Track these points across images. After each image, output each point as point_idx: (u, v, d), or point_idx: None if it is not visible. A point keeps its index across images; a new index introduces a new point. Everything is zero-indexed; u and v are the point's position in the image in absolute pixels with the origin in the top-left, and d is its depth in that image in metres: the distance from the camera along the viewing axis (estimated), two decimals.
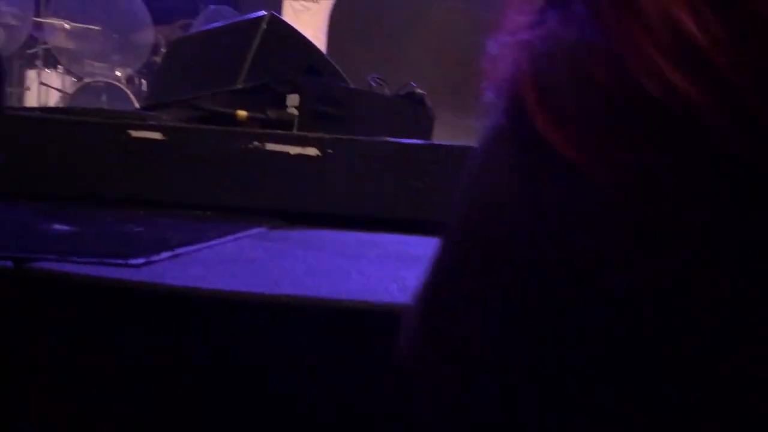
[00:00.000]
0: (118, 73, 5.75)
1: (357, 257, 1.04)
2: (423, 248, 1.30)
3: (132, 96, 5.55)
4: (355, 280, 0.83)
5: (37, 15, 5.93)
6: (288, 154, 1.76)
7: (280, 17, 1.92)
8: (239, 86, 1.86)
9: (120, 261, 0.76)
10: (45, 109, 3.03)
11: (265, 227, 1.35)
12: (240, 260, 0.90)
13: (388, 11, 7.20)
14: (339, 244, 1.21)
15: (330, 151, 1.74)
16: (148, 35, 5.76)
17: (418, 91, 2.03)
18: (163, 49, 6.02)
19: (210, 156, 1.73)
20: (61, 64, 5.64)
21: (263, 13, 1.94)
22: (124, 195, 1.67)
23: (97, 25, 5.57)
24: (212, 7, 5.92)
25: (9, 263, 0.72)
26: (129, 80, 5.84)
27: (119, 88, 5.55)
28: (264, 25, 1.89)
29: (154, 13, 5.86)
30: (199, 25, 5.87)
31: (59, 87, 5.55)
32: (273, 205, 1.67)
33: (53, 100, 5.54)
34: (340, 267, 0.90)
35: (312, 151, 1.77)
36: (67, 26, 5.44)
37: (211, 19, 5.92)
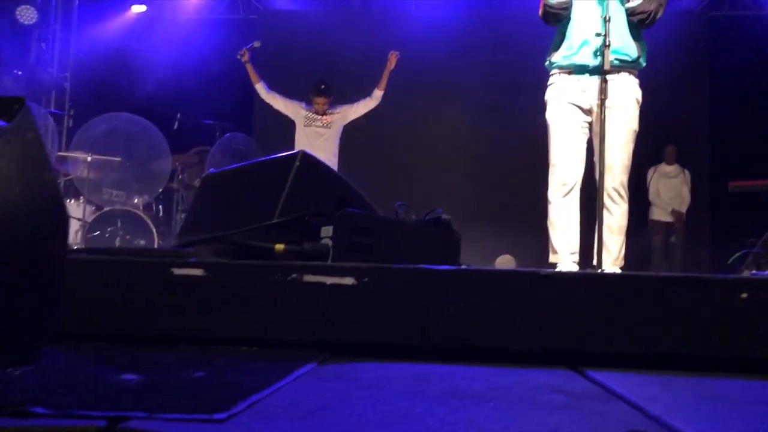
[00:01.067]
0: (135, 201, 5.92)
1: (418, 396, 1.07)
2: (472, 381, 1.32)
3: (149, 221, 5.68)
4: (433, 427, 0.85)
5: (60, 150, 6.18)
6: (325, 284, 1.82)
7: (311, 154, 2.03)
8: (276, 221, 1.94)
9: (204, 417, 0.79)
10: (89, 250, 3.10)
11: (314, 362, 1.37)
12: (315, 410, 0.92)
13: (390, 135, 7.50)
14: (393, 381, 1.23)
15: (366, 279, 1.80)
16: (166, 164, 5.97)
17: (444, 216, 2.11)
18: (180, 176, 6.23)
19: (251, 290, 1.78)
20: (82, 194, 5.82)
21: (296, 151, 2.05)
22: (171, 332, 1.71)
23: (117, 156, 5.80)
24: (227, 135, 6.17)
25: (102, 422, 0.75)
26: (146, 207, 6.00)
27: (136, 214, 5.70)
28: (297, 163, 2.00)
29: (170, 142, 6.10)
30: (216, 151, 6.09)
31: (79, 216, 5.70)
32: (314, 336, 1.70)
33: (73, 228, 5.67)
34: (409, 412, 0.92)
35: (348, 281, 1.82)
36: (89, 158, 5.66)
37: (226, 146, 6.15)
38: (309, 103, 5.85)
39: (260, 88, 5.92)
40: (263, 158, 2.41)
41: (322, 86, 5.77)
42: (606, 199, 3.00)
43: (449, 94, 7.55)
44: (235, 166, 2.48)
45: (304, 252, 1.88)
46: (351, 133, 6.07)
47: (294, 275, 1.75)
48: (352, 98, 6.03)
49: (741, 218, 6.42)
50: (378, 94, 5.86)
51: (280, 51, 7.67)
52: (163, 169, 5.98)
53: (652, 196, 6.83)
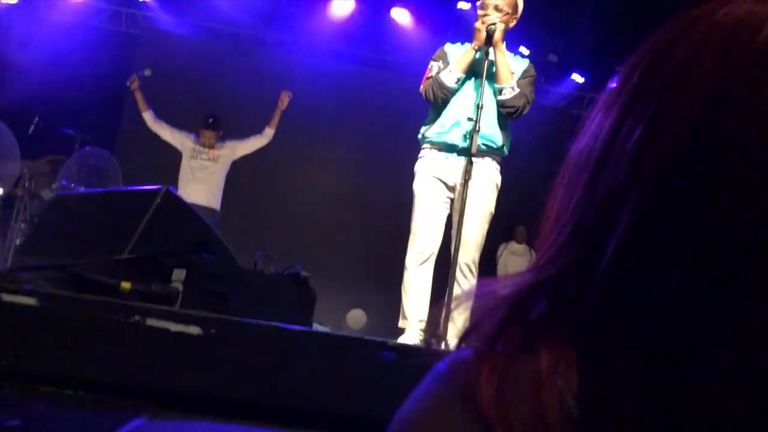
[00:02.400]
0: None
1: None
2: None
3: None
4: None
5: None
6: (169, 331, 1.75)
7: (175, 192, 1.98)
8: (126, 256, 1.85)
9: None
10: None
11: (145, 417, 1.31)
12: None
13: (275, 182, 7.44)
14: None
15: (213, 330, 1.75)
16: (12, 168, 5.56)
17: (303, 273, 2.11)
18: (26, 183, 5.80)
19: (87, 328, 1.67)
20: None
21: (159, 186, 1.99)
22: None
23: None
24: (87, 148, 5.85)
25: None
26: None
27: None
28: (158, 199, 1.93)
29: (22, 146, 5.70)
30: (72, 163, 5.74)
31: None
32: (151, 385, 1.63)
33: None
34: None
35: (194, 330, 1.77)
36: None
37: (84, 159, 5.82)
38: (197, 135, 5.72)
39: (148, 116, 5.71)
40: (124, 188, 2.31)
41: (211, 120, 5.67)
42: (458, 273, 3.14)
43: (328, 144, 7.65)
44: (91, 190, 2.35)
45: (151, 293, 1.81)
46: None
47: (137, 317, 1.67)
48: (238, 133, 5.96)
49: None
50: (269, 132, 5.83)
51: (163, 75, 7.44)
52: (8, 173, 5.55)
53: (500, 273, 7.21)
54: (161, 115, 5.89)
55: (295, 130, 7.46)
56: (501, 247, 7.24)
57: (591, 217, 0.44)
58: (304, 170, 7.55)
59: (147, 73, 5.72)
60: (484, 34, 3.07)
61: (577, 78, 8.25)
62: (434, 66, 3.31)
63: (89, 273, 1.82)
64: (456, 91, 3.18)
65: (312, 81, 7.55)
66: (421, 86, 3.30)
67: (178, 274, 1.87)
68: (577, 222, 0.45)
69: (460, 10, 7.53)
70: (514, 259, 7.24)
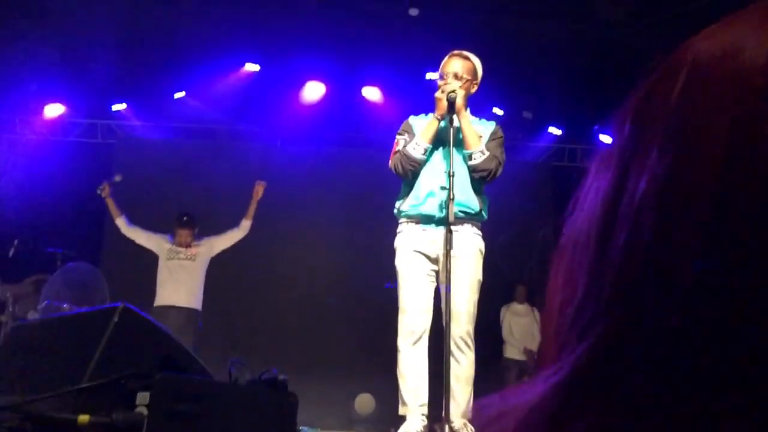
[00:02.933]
0: None
1: None
2: None
3: None
4: None
5: None
6: None
7: (134, 309, 1.86)
8: (84, 385, 1.72)
9: None
10: None
11: None
12: None
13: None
14: None
15: None
16: None
17: (281, 377, 1.98)
18: (10, 308, 5.67)
19: None
20: None
21: (116, 304, 1.88)
22: None
23: None
24: (70, 264, 5.75)
25: None
26: None
27: None
28: (116, 318, 1.82)
29: (3, 270, 5.61)
30: (56, 280, 5.63)
31: None
32: None
33: None
34: None
35: None
36: None
37: (68, 275, 5.71)
38: (173, 235, 5.64)
39: (121, 222, 5.63)
40: (79, 310, 2.20)
41: (185, 218, 5.60)
42: (453, 348, 3.00)
43: (311, 229, 7.58)
44: (46, 317, 2.23)
45: (113, 424, 1.67)
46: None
47: None
48: (219, 229, 5.89)
49: None
50: (246, 224, 5.76)
51: (140, 180, 7.44)
52: None
53: (505, 335, 7.03)
54: (143, 220, 5.83)
55: (276, 218, 7.41)
56: (503, 310, 7.07)
57: (609, 290, 0.39)
58: (289, 257, 7.45)
59: (117, 179, 5.69)
60: (445, 103, 3.04)
61: (554, 131, 8.29)
62: (400, 140, 3.28)
63: (45, 410, 1.68)
64: (425, 162, 3.13)
65: (290, 167, 7.56)
66: (390, 161, 3.25)
67: (143, 398, 1.73)
68: (594, 301, 0.40)
69: (429, 80, 7.63)
70: (518, 320, 7.07)
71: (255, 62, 7.59)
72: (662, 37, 6.72)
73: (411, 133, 3.26)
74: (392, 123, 7.52)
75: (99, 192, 5.59)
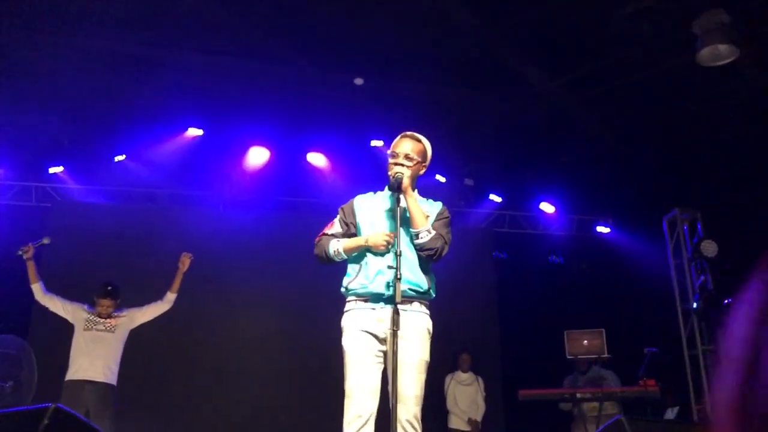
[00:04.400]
0: None
1: None
2: None
3: None
4: None
5: None
6: None
7: (66, 409, 1.75)
8: None
9: None
10: None
11: None
12: None
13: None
14: None
15: None
16: None
17: None
18: None
19: None
20: None
21: (47, 405, 1.77)
22: None
23: None
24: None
25: None
26: None
27: None
28: (47, 420, 1.71)
29: None
30: None
31: None
32: None
33: None
34: None
35: None
36: None
37: None
38: (92, 305, 5.39)
39: (37, 288, 5.36)
40: (10, 409, 2.06)
41: (109, 287, 5.37)
42: (399, 431, 2.94)
43: (249, 302, 7.41)
44: None
45: None
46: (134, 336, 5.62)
47: None
48: (147, 298, 5.69)
49: (533, 425, 6.69)
50: (171, 297, 5.57)
51: (74, 245, 7.20)
52: None
53: (449, 404, 6.95)
54: (74, 286, 5.60)
55: (216, 285, 7.24)
56: (447, 379, 7.02)
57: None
58: (228, 324, 7.25)
59: (46, 241, 5.47)
60: (384, 240, 3.05)
61: (495, 198, 8.47)
62: (335, 222, 3.29)
63: None
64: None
65: (232, 233, 7.45)
66: (317, 238, 3.26)
67: None
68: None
69: (374, 147, 7.73)
70: (463, 389, 7.01)
71: (198, 126, 7.55)
72: (595, 109, 7.01)
73: (350, 217, 3.27)
74: (337, 188, 7.59)
75: (20, 253, 5.33)
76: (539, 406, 6.30)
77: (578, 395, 6.13)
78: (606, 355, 6.49)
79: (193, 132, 7.55)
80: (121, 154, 7.61)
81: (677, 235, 7.27)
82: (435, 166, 7.82)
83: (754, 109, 6.44)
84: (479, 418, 6.90)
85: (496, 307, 7.98)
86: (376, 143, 7.71)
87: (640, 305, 7.47)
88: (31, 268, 5.38)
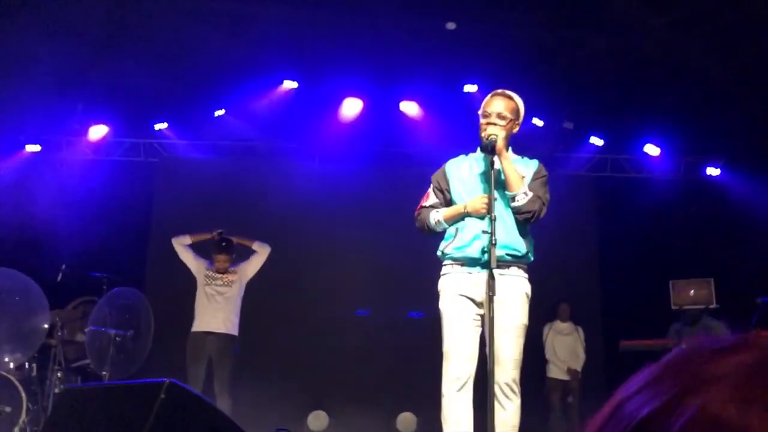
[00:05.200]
0: (6, 360, 5.43)
1: None
2: None
3: (18, 385, 5.20)
4: None
5: None
6: None
7: (179, 384, 1.86)
8: None
9: None
10: None
11: None
12: None
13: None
14: None
15: None
16: (43, 320, 5.56)
17: None
18: (59, 332, 5.77)
19: None
20: None
21: (163, 380, 1.88)
22: None
23: None
24: (116, 289, 5.84)
25: None
26: (19, 368, 5.50)
27: (3, 377, 5.21)
28: (162, 395, 1.82)
29: (51, 295, 5.71)
30: (103, 305, 5.71)
31: None
32: None
33: None
34: None
35: None
36: None
37: (114, 301, 5.79)
38: (211, 261, 5.70)
39: (186, 239, 5.76)
40: (128, 381, 2.21)
41: (224, 243, 5.64)
42: (498, 394, 2.95)
43: (349, 250, 7.54)
44: (97, 384, 2.25)
45: None
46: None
47: None
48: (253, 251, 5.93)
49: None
50: (258, 246, 5.78)
51: (181, 199, 7.55)
52: (40, 326, 5.55)
53: (548, 354, 6.91)
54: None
55: (314, 238, 7.42)
56: (546, 328, 6.96)
57: None
58: (327, 278, 7.43)
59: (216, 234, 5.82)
60: (483, 203, 2.98)
61: (596, 141, 8.13)
62: (431, 194, 3.25)
63: None
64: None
65: (328, 185, 7.57)
66: (416, 211, 3.24)
67: None
68: None
69: (467, 93, 7.56)
70: (561, 338, 6.95)
71: (293, 79, 7.62)
72: (704, 47, 6.54)
73: (444, 183, 3.22)
74: (431, 137, 7.52)
75: (214, 235, 5.73)
76: (642, 357, 6.16)
77: (683, 345, 5.94)
78: (714, 305, 6.22)
79: (288, 85, 7.63)
80: (221, 109, 7.81)
81: None
82: (533, 109, 7.57)
83: None
84: (579, 368, 6.84)
85: (597, 255, 7.78)
86: (470, 88, 7.53)
87: (754, 253, 7.06)
88: (201, 238, 5.77)
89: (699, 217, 7.86)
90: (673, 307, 6.29)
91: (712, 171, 8.23)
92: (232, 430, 1.92)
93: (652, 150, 8.15)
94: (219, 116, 7.86)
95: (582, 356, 6.88)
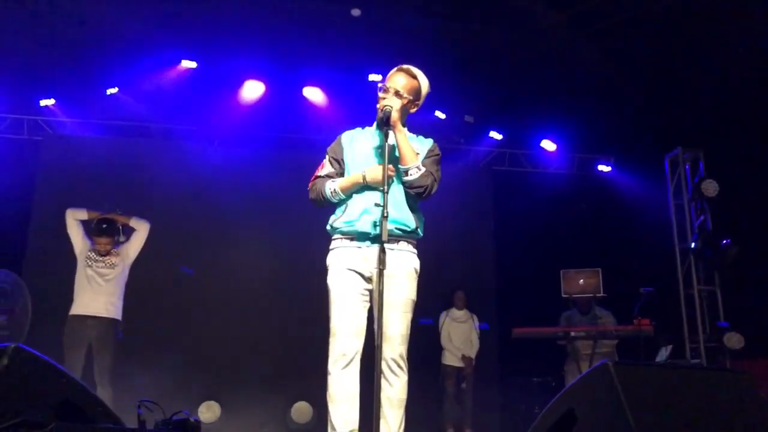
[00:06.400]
0: None
1: None
2: None
3: None
4: None
5: None
6: None
7: (26, 348, 1.70)
8: None
9: None
10: None
11: None
12: None
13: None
14: None
15: None
16: None
17: (193, 418, 1.85)
18: None
19: None
20: None
21: (6, 344, 1.72)
22: None
23: None
24: None
25: None
26: None
27: None
28: (5, 361, 1.66)
29: None
30: None
31: None
32: None
33: None
34: None
35: None
36: None
37: None
38: (93, 241, 5.35)
39: (80, 214, 5.30)
40: None
41: (104, 225, 5.31)
42: (386, 370, 2.91)
43: (242, 236, 7.37)
44: None
45: None
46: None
47: None
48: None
49: (526, 363, 6.74)
50: (136, 222, 5.47)
51: (67, 179, 7.13)
52: None
53: (443, 341, 6.99)
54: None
55: (208, 222, 7.20)
56: (442, 316, 7.03)
57: None
58: (218, 262, 7.23)
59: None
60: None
61: (495, 135, 8.31)
62: (326, 164, 3.18)
63: None
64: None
65: (226, 168, 7.36)
66: (310, 182, 3.16)
67: None
68: None
69: (372, 81, 7.52)
70: (457, 326, 7.04)
71: (192, 59, 7.35)
72: (600, 44, 6.79)
73: (339, 154, 3.16)
74: (335, 125, 7.42)
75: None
76: (533, 344, 6.33)
77: (572, 333, 6.13)
78: (601, 294, 6.48)
79: (187, 64, 7.35)
80: (114, 87, 7.43)
81: (678, 175, 7.14)
82: (435, 102, 7.64)
83: (763, 49, 6.22)
84: (473, 355, 6.95)
85: (493, 245, 7.95)
86: (375, 77, 7.50)
87: (639, 245, 7.41)
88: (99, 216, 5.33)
89: (589, 211, 8.17)
90: (564, 296, 6.51)
91: (603, 167, 8.58)
92: (88, 400, 1.77)
93: (548, 146, 8.40)
94: (112, 94, 7.48)
95: (476, 343, 7.00)
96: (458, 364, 6.91)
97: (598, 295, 6.46)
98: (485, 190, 8.28)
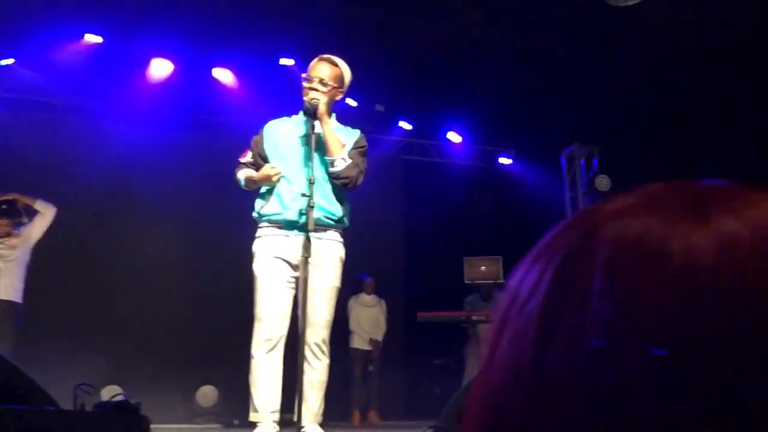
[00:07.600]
0: None
1: None
2: None
3: None
4: None
5: None
6: None
7: None
8: None
9: None
10: None
11: None
12: None
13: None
14: None
15: None
16: None
17: (132, 401, 1.89)
18: None
19: None
20: None
21: None
22: None
23: None
24: None
25: None
26: None
27: None
28: None
29: None
30: None
31: None
32: None
33: None
34: None
35: None
36: None
37: None
38: None
39: None
40: None
41: (4, 206, 5.07)
42: (308, 354, 3.01)
43: (155, 219, 7.20)
44: None
45: None
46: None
47: None
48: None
49: (430, 345, 7.00)
50: (41, 205, 5.27)
51: None
52: None
53: (352, 325, 7.14)
54: None
55: (113, 206, 7.00)
56: (351, 301, 7.18)
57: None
58: (126, 247, 7.05)
59: None
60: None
61: (405, 125, 8.50)
62: (248, 153, 3.23)
63: None
64: (285, 168, 3.12)
65: (134, 147, 7.16)
66: (236, 167, 3.21)
67: None
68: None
69: (283, 65, 7.51)
70: (366, 310, 7.21)
71: (97, 33, 7.06)
72: (511, 43, 7.09)
73: (258, 146, 3.20)
74: (245, 107, 7.37)
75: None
76: (438, 327, 6.58)
77: (474, 318, 6.43)
78: (501, 281, 6.81)
79: (91, 38, 7.05)
80: (9, 58, 7.03)
81: (574, 170, 7.59)
82: (347, 90, 7.71)
83: (658, 51, 6.70)
84: (380, 338, 7.15)
85: (402, 233, 8.16)
86: (286, 62, 7.49)
87: (537, 235, 7.80)
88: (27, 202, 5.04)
89: (493, 202, 8.54)
90: (466, 281, 6.80)
91: (504, 160, 8.97)
92: (25, 384, 1.78)
93: (454, 137, 8.69)
94: (6, 66, 7.07)
95: (384, 326, 7.21)
96: (366, 347, 7.09)
97: (498, 281, 6.80)
98: (395, 178, 8.47)
